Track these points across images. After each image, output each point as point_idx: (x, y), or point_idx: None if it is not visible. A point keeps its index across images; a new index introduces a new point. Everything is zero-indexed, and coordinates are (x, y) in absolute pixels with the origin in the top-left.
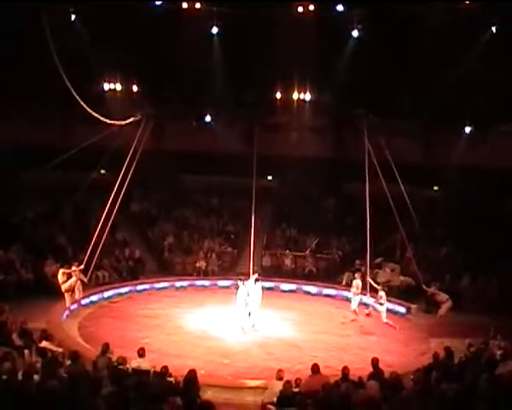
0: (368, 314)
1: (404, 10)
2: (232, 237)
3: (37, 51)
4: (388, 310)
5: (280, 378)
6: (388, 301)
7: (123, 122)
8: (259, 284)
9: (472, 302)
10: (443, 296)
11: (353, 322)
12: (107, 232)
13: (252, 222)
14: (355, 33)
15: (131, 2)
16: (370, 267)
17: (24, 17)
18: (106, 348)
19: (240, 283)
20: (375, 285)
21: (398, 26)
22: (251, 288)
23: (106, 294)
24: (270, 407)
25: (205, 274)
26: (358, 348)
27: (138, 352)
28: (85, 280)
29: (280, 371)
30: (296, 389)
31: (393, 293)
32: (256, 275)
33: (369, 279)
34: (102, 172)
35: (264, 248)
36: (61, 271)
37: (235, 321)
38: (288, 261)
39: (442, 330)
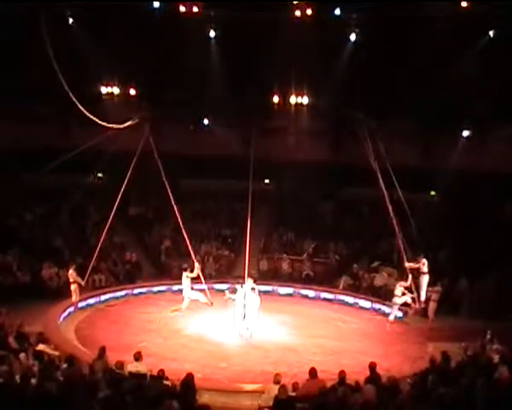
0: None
1: (402, 13)
2: (229, 240)
3: (35, 54)
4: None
5: (277, 382)
6: (385, 305)
7: (121, 126)
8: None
9: (469, 306)
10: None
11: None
12: (104, 235)
13: (248, 226)
14: (353, 37)
15: (129, 5)
16: (368, 271)
17: (23, 20)
18: (102, 352)
19: (238, 286)
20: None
21: (396, 29)
22: (248, 292)
23: (103, 297)
24: None
25: None
26: (356, 352)
27: (135, 355)
28: (82, 283)
29: (277, 375)
30: (293, 394)
31: (390, 297)
32: (251, 280)
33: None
34: (99, 175)
35: (261, 252)
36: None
37: (233, 325)
38: (285, 265)
39: (439, 335)
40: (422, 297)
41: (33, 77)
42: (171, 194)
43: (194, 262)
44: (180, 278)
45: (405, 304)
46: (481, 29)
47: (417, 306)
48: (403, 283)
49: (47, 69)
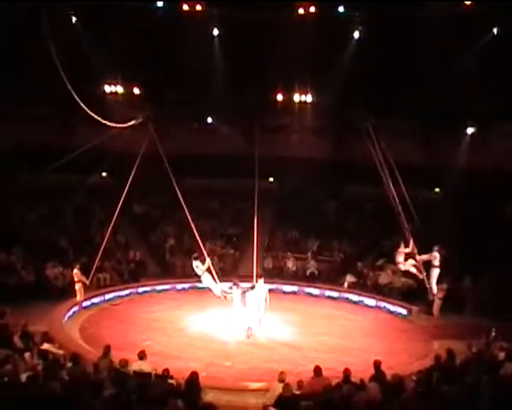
0: None
1: (404, 11)
2: (234, 239)
3: (38, 53)
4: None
5: (282, 381)
6: (389, 302)
7: (124, 125)
8: (263, 287)
9: (474, 304)
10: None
11: None
12: (109, 234)
13: (254, 224)
14: (356, 34)
15: (132, 4)
16: (372, 269)
17: (23, 20)
18: (107, 351)
19: (246, 285)
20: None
21: (399, 27)
22: (256, 292)
23: (107, 296)
24: (271, 409)
25: None
26: (360, 350)
27: (139, 354)
28: (87, 282)
29: (282, 373)
30: (298, 392)
31: (395, 294)
32: (262, 279)
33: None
34: (103, 174)
35: (265, 250)
36: None
37: (240, 324)
38: (289, 263)
39: (444, 332)
40: (434, 290)
41: (33, 77)
42: (179, 192)
43: (205, 258)
44: (184, 276)
45: (409, 273)
46: (482, 28)
47: (429, 296)
48: (402, 248)
49: (48, 69)
